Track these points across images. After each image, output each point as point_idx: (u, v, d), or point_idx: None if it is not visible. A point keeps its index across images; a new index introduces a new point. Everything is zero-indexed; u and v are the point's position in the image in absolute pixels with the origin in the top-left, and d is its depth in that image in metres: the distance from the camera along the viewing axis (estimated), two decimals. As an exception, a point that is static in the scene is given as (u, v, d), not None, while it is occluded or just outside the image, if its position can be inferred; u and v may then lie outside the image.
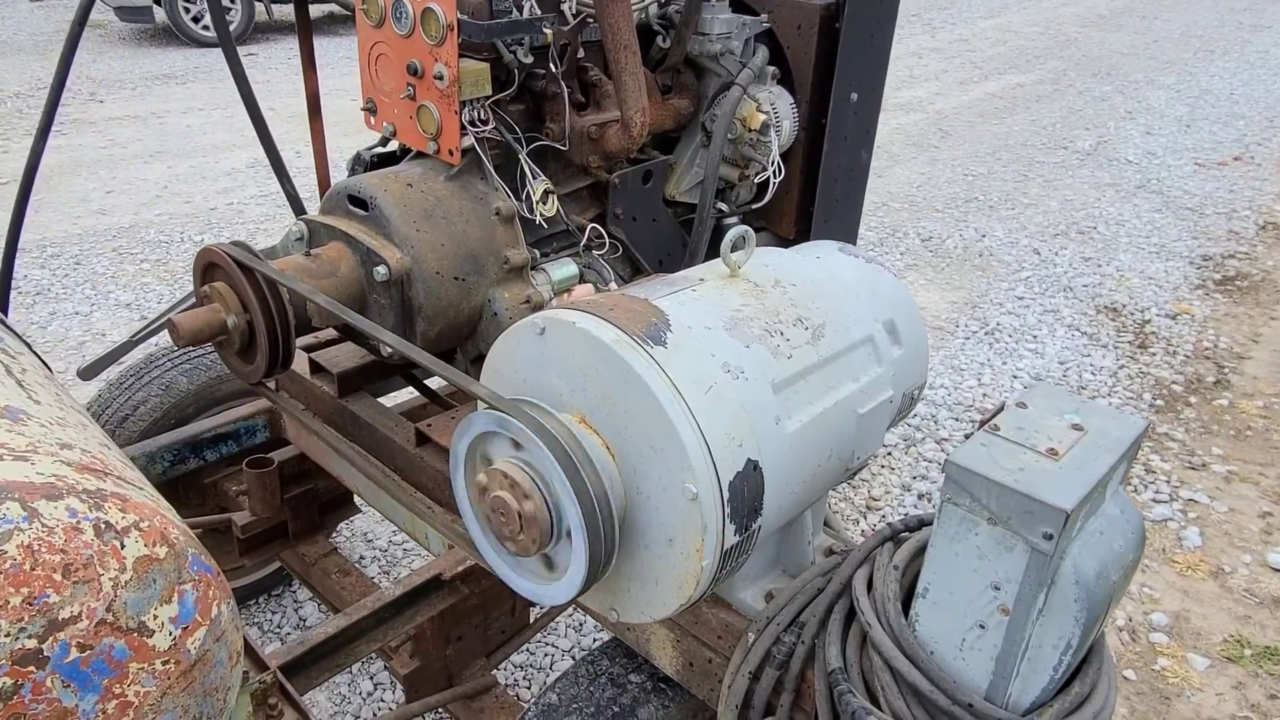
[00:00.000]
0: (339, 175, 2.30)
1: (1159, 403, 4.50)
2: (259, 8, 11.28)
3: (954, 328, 5.19)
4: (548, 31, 1.98)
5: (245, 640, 1.38)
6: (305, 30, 2.43)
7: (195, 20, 11.00)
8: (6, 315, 2.23)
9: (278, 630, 3.08)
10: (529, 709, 1.77)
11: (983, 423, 1.32)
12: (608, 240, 2.28)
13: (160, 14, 10.82)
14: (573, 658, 2.97)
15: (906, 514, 3.69)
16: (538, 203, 2.10)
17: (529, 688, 2.87)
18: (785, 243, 2.76)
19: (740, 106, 2.35)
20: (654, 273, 2.46)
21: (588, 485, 1.28)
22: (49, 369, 1.51)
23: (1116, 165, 8.00)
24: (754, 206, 2.55)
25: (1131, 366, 4.81)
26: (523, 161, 2.08)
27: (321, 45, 10.81)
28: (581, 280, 2.24)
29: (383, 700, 2.81)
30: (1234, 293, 5.74)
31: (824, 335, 1.53)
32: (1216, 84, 10.90)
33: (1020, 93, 10.39)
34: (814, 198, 2.64)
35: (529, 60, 2.02)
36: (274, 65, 10.28)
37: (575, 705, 1.76)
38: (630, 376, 1.29)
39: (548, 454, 1.27)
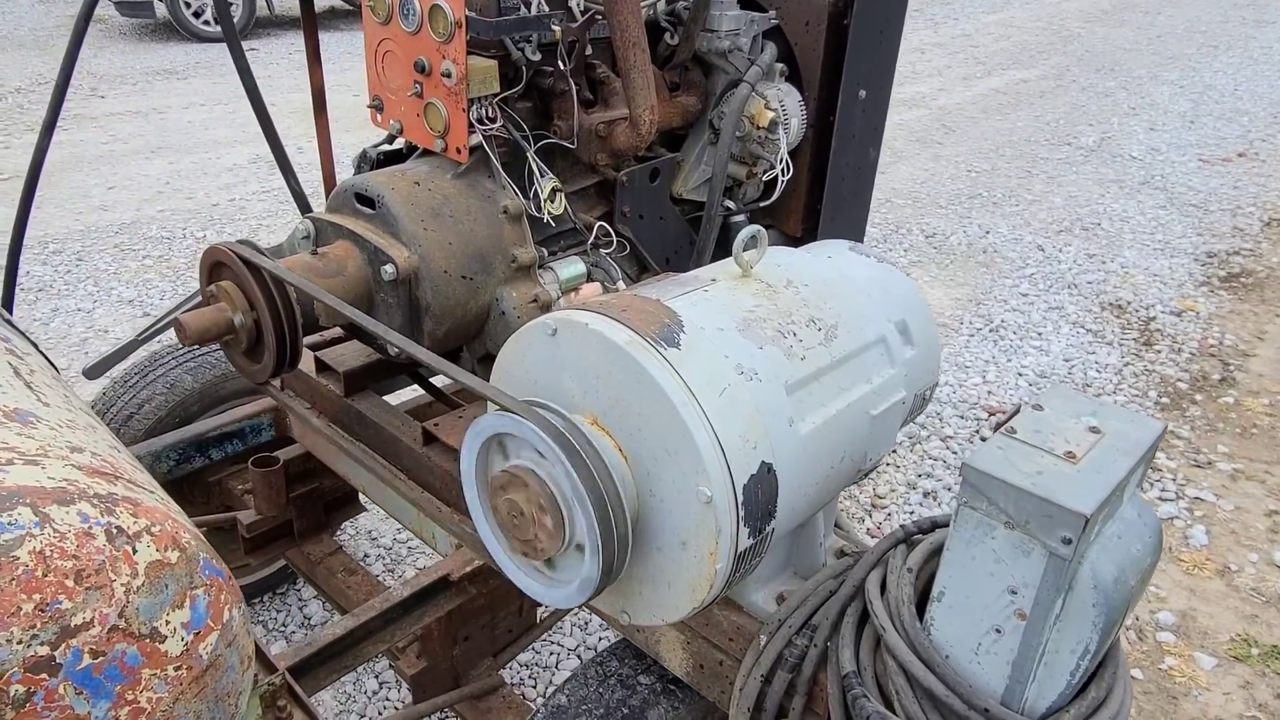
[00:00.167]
0: (343, 172, 2.30)
1: (1164, 401, 4.49)
2: (260, 2, 11.26)
3: (958, 325, 5.18)
4: (556, 29, 1.97)
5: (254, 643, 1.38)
6: (310, 25, 2.41)
7: (196, 15, 10.98)
8: (11, 313, 2.21)
9: (283, 629, 3.08)
10: (538, 711, 1.76)
11: (998, 425, 1.31)
12: (615, 238, 2.27)
13: (161, 9, 10.80)
14: (579, 657, 2.97)
15: (913, 511, 3.69)
16: (545, 201, 2.08)
17: (534, 686, 2.86)
18: (792, 241, 2.75)
19: (748, 104, 2.33)
20: (661, 271, 2.45)
21: (601, 488, 1.27)
22: (56, 369, 1.50)
23: (1120, 161, 7.98)
24: (762, 204, 2.53)
25: (1137, 364, 4.80)
26: (530, 159, 2.06)
27: (323, 40, 10.79)
28: (589, 279, 2.23)
29: (388, 699, 2.80)
30: (1239, 290, 5.72)
31: (837, 336, 1.52)
32: (1220, 80, 10.87)
33: (1023, 88, 10.37)
34: (821, 196, 2.63)
35: (537, 58, 2.01)
36: (275, 60, 10.25)
37: (585, 707, 1.75)
38: (644, 378, 1.28)
39: (561, 456, 1.26)
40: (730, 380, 1.32)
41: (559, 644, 3.00)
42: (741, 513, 1.29)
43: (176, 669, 1.04)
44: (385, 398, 2.38)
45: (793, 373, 1.42)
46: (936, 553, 1.47)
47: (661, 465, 1.31)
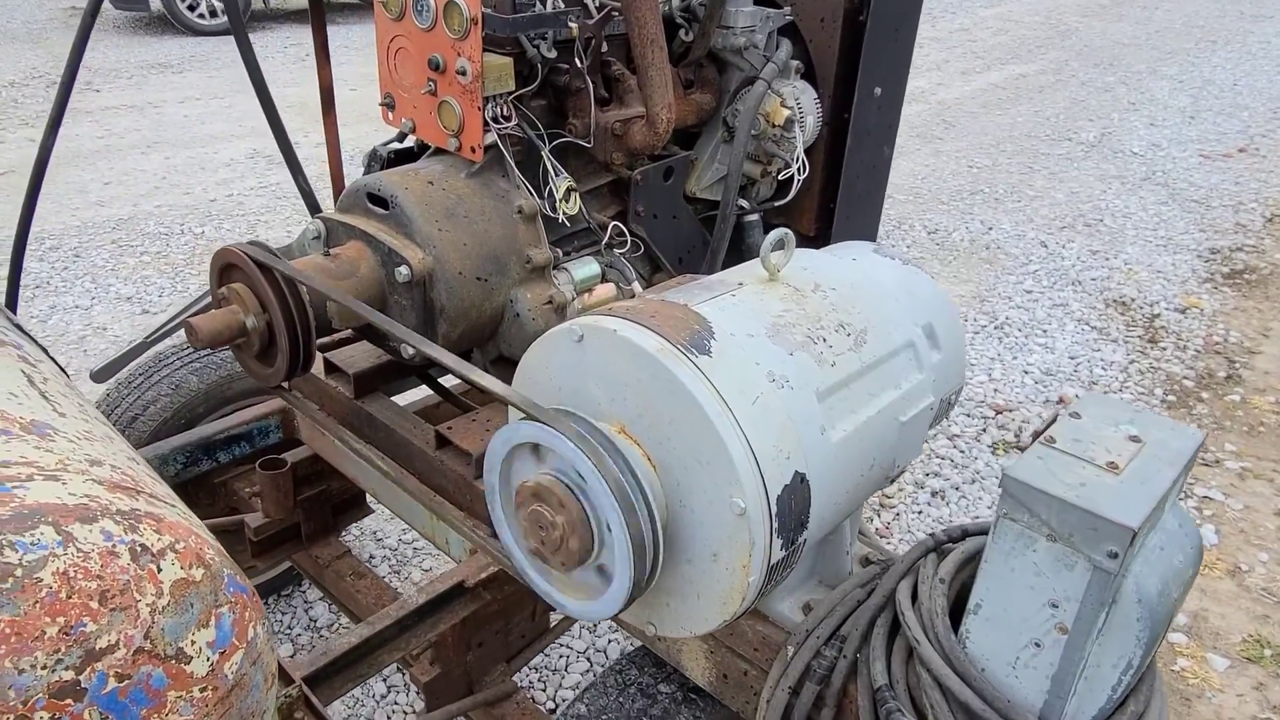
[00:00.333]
0: (349, 170, 2.26)
1: (1171, 399, 4.47)
2: (255, -5, 11.17)
3: (963, 322, 5.16)
4: (573, 25, 1.93)
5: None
6: (319, 22, 2.37)
7: (191, 8, 10.88)
8: (15, 312, 2.17)
9: (288, 631, 3.04)
10: (557, 720, 1.73)
11: (1036, 434, 1.28)
12: (629, 238, 2.24)
13: (155, 2, 10.70)
14: (588, 659, 2.94)
15: (920, 511, 3.67)
16: (560, 201, 2.05)
17: (544, 689, 2.84)
18: (806, 240, 2.72)
19: (764, 102, 2.30)
20: (675, 271, 2.42)
21: (632, 499, 1.24)
22: (66, 374, 1.46)
23: (1121, 157, 7.97)
24: (777, 204, 2.50)
25: (1142, 361, 4.78)
26: (545, 158, 2.03)
27: (319, 33, 10.72)
28: (603, 279, 2.20)
29: (396, 703, 2.78)
30: (1243, 286, 5.71)
31: (866, 341, 1.49)
32: (1219, 75, 10.86)
33: (1023, 83, 10.34)
34: (835, 194, 2.60)
35: (552, 55, 1.97)
36: (271, 55, 10.17)
37: (605, 716, 1.73)
38: (675, 387, 1.25)
39: (591, 467, 1.23)
40: (762, 388, 1.29)
41: (568, 646, 2.97)
42: (775, 524, 1.26)
43: (202, 690, 1.01)
44: (392, 399, 2.35)
45: (823, 379, 1.39)
46: (968, 562, 1.45)
47: (693, 475, 1.28)
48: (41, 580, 0.88)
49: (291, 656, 2.85)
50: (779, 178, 2.44)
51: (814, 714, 1.49)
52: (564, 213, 2.06)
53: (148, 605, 0.96)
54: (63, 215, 5.98)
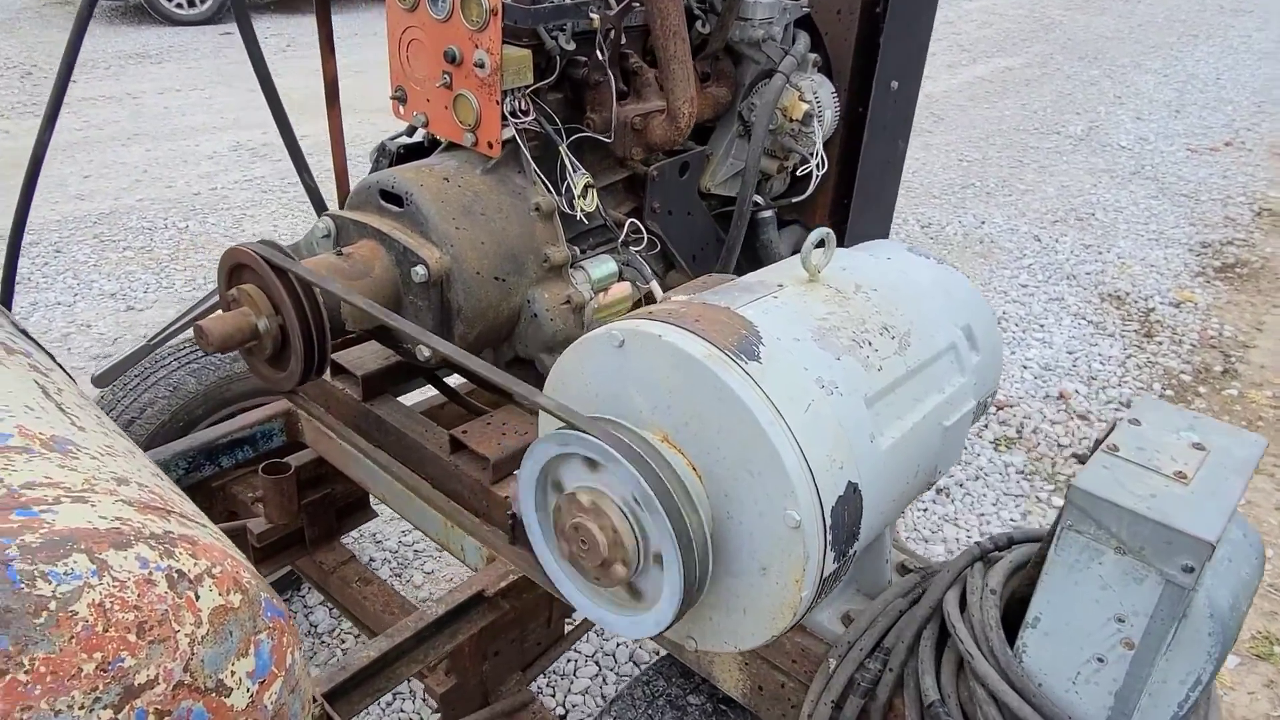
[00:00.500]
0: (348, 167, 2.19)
1: (1169, 393, 4.47)
2: (234, -15, 10.96)
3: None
4: (594, 16, 1.87)
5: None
6: (324, 12, 2.29)
7: (169, -2, 10.68)
8: (10, 309, 2.09)
9: (288, 637, 2.97)
10: (585, 734, 1.68)
11: (1098, 442, 1.24)
12: (646, 236, 2.18)
13: (132, -10, 10.49)
14: (596, 663, 2.89)
15: (925, 508, 3.64)
16: (578, 197, 1.99)
17: (553, 695, 2.78)
18: (819, 236, 2.67)
19: (782, 96, 2.25)
20: (689, 269, 2.37)
21: (683, 512, 1.19)
22: (75, 381, 1.39)
23: (1110, 151, 7.99)
24: (794, 200, 2.45)
25: (1139, 356, 4.78)
26: (563, 154, 1.97)
27: (296, 25, 10.56)
28: (620, 278, 2.14)
29: (402, 710, 2.71)
30: (1234, 280, 5.73)
31: (910, 344, 1.44)
32: (1202, 69, 10.92)
33: (1009, 76, 10.35)
34: (849, 190, 2.55)
35: (571, 47, 1.91)
36: (252, 44, 9.98)
37: (634, 729, 1.68)
38: (725, 394, 1.20)
39: (639, 478, 1.18)
40: (814, 395, 1.24)
41: (576, 650, 2.92)
42: (829, 537, 1.21)
43: (242, 723, 0.95)
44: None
45: (871, 384, 1.34)
46: (1017, 570, 1.41)
47: (742, 486, 1.23)
48: (77, 613, 0.82)
49: (293, 664, 2.78)
50: (797, 173, 2.39)
51: (858, 728, 1.45)
52: (581, 210, 2.01)
53: (186, 636, 0.89)
54: (42, 209, 5.83)
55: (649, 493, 1.16)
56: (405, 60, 1.94)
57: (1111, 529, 1.13)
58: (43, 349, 1.41)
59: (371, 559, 3.26)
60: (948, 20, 13.16)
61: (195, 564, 0.94)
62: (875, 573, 1.59)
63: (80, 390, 1.32)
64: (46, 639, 0.80)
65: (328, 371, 2.23)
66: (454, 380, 2.48)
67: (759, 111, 2.21)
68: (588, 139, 2.07)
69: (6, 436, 0.98)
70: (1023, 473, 3.88)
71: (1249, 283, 5.71)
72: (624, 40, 2.03)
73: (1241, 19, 13.97)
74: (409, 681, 2.78)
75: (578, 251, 2.05)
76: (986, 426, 4.15)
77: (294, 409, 2.37)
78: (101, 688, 0.82)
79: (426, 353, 1.89)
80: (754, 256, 2.55)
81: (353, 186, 2.39)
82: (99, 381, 2.21)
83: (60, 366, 1.37)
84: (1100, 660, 1.20)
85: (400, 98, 1.99)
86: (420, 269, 1.79)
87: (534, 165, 1.93)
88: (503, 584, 1.89)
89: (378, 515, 2.73)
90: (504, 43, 1.79)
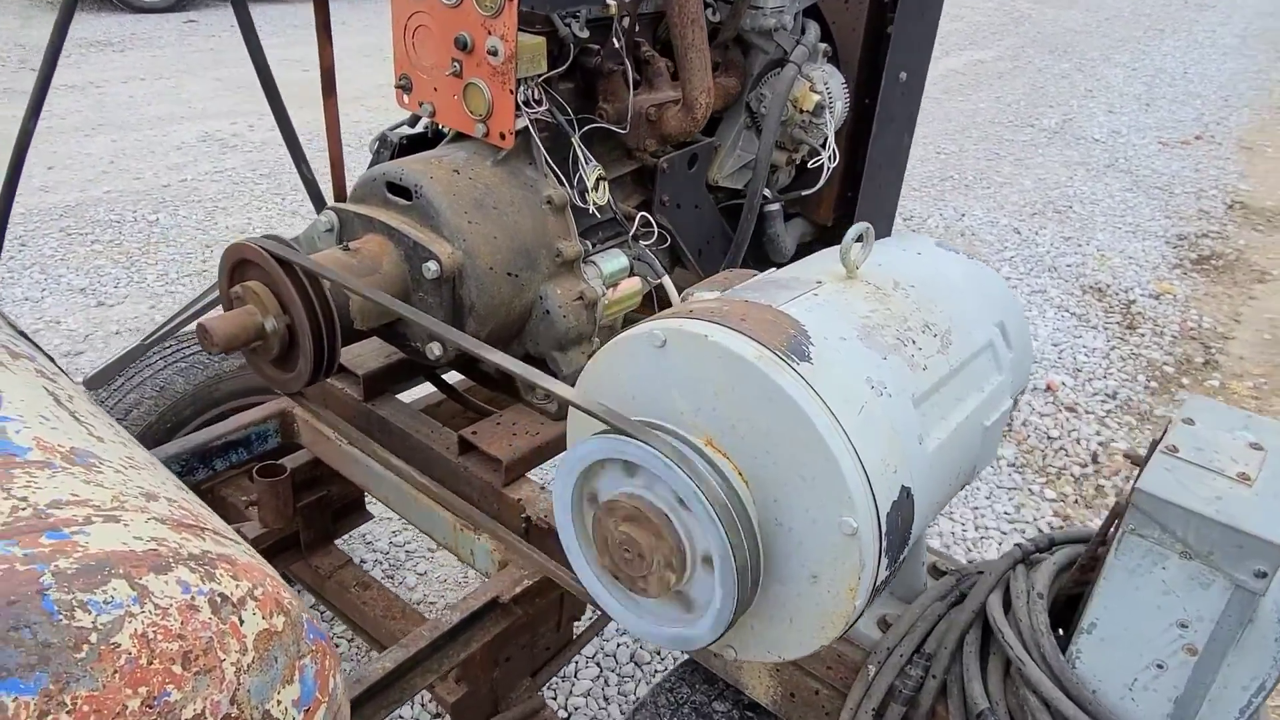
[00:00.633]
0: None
1: (1154, 385, 4.51)
2: (198, -29, 10.71)
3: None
4: (611, 3, 1.81)
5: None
6: (320, -4, 2.20)
7: (130, -17, 10.39)
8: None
9: (279, 643, 2.88)
10: (610, 745, 1.63)
11: (1155, 443, 1.21)
12: (656, 229, 2.12)
13: (92, -24, 10.20)
14: (597, 665, 2.84)
15: (919, 503, 3.62)
16: (591, 190, 1.93)
17: (555, 697, 2.73)
18: (823, 230, 2.64)
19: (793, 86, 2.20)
20: (696, 264, 2.32)
21: (736, 520, 1.14)
22: (78, 385, 1.31)
23: (1084, 144, 8.05)
24: (803, 193, 2.41)
25: (1123, 348, 4.81)
26: (575, 145, 1.90)
27: (264, 13, 10.33)
28: (631, 273, 2.09)
29: (402, 717, 2.64)
30: (1211, 272, 5.80)
31: (951, 342, 1.40)
32: (1169, 63, 11.06)
33: (982, 69, 10.41)
34: (854, 182, 2.52)
35: (585, 34, 1.84)
36: (219, 33, 9.77)
37: (659, 738, 1.63)
38: (777, 397, 1.15)
39: (690, 484, 1.13)
40: (866, 397, 1.20)
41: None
42: (884, 544, 1.17)
43: (288, 756, 0.89)
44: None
45: (917, 384, 1.30)
46: (1062, 572, 1.38)
47: (793, 492, 1.18)
48: (120, 645, 0.75)
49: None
50: (809, 165, 2.35)
51: (900, 736, 1.41)
52: (594, 203, 1.95)
53: (232, 664, 0.83)
54: (4, 201, 5.64)
55: (705, 504, 1.11)
56: (411, 47, 1.87)
57: (1177, 533, 1.10)
58: (43, 351, 1.33)
59: (362, 561, 3.18)
60: (919, 13, 13.19)
61: (237, 586, 0.87)
62: (911, 575, 1.56)
63: (89, 395, 1.24)
64: (89, 675, 0.73)
65: (327, 371, 2.16)
66: (449, 377, 2.41)
67: (772, 102, 2.17)
68: (596, 130, 2.01)
69: (25, 450, 0.91)
70: (1014, 465, 3.89)
71: (1225, 275, 5.77)
72: (636, 28, 1.97)
73: (1205, 14, 14.19)
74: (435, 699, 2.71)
75: (589, 245, 1.99)
76: (977, 419, 4.15)
77: (289, 410, 2.29)
78: (147, 726, 0.76)
79: (438, 351, 1.82)
80: (759, 250, 2.51)
81: (347, 179, 2.32)
82: (91, 384, 2.11)
83: (60, 369, 1.29)
84: (1160, 666, 1.17)
85: (405, 86, 1.91)
86: (432, 265, 1.72)
87: (547, 157, 1.86)
88: (518, 589, 1.84)
89: (374, 517, 2.65)
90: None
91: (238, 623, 0.85)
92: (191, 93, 7.84)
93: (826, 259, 1.52)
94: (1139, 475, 1.23)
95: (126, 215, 5.59)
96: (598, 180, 1.94)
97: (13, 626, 0.71)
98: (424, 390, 2.37)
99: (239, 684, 0.83)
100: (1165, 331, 5.01)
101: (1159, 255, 5.94)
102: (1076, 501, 3.68)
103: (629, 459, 1.19)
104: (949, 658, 1.38)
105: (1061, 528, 3.48)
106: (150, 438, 2.37)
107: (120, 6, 10.35)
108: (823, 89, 2.23)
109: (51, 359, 1.32)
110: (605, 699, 2.73)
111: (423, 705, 2.68)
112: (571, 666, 2.81)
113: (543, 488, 1.93)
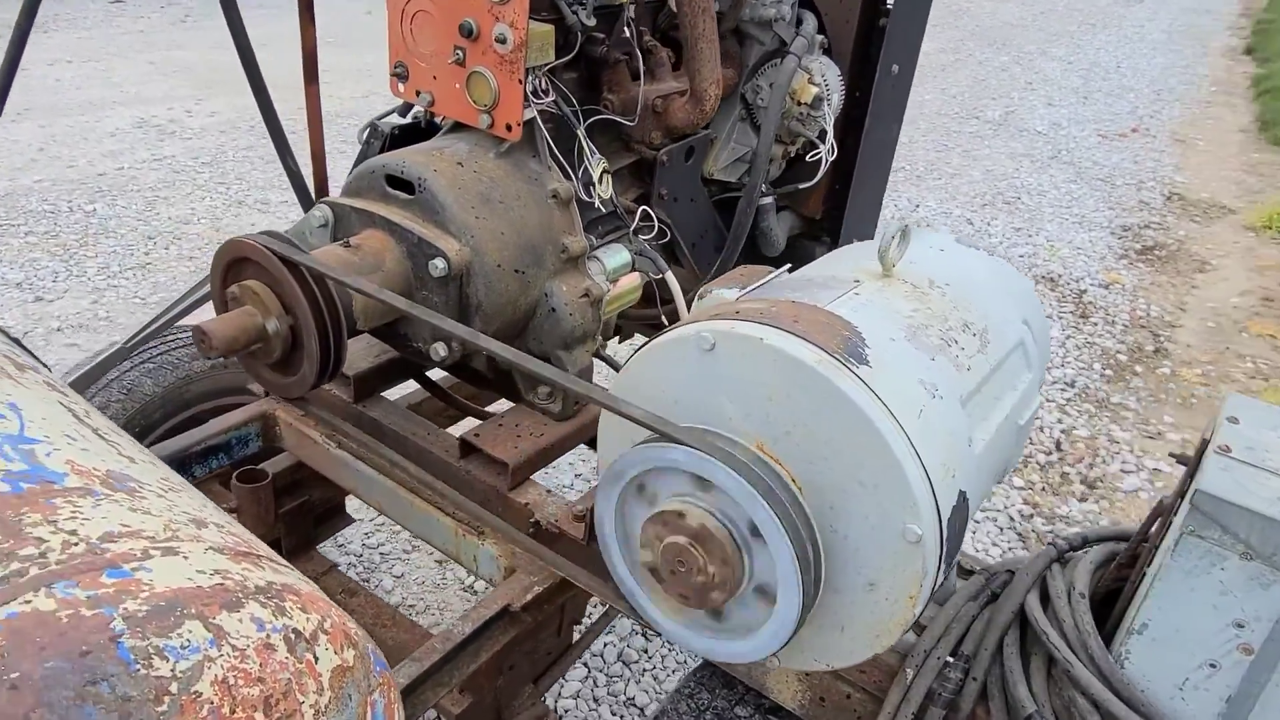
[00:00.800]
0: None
1: (1109, 373, 4.62)
2: (125, -52, 10.24)
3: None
4: (623, -10, 1.75)
5: None
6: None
7: (51, -40, 9.88)
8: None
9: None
10: (634, 755, 1.59)
11: (1205, 442, 1.21)
12: (656, 224, 2.08)
13: (9, -49, 9.68)
14: (585, 665, 2.79)
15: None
16: (596, 183, 1.87)
17: (545, 700, 2.67)
18: (812, 223, 2.62)
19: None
20: (691, 258, 2.28)
21: (800, 529, 1.10)
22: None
23: (1027, 136, 8.22)
24: (801, 186, 2.38)
25: (1077, 336, 4.92)
26: (580, 137, 1.84)
27: (200, -8, 9.95)
28: (633, 268, 2.04)
29: (386, 726, 2.56)
30: (1155, 262, 5.97)
31: (989, 341, 1.39)
32: (1103, 57, 11.36)
33: (925, 61, 10.48)
34: (842, 175, 2.50)
35: (592, 23, 1.78)
36: (148, 14, 9.37)
37: (684, 747, 1.60)
38: (839, 402, 1.11)
39: (753, 494, 1.09)
40: (923, 400, 1.17)
41: (562, 653, 2.81)
42: (945, 549, 1.15)
43: (363, 799, 0.83)
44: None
45: (963, 385, 1.29)
46: (1100, 567, 1.38)
47: (851, 499, 1.15)
48: (201, 695, 0.68)
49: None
50: (808, 158, 2.32)
51: (940, 740, 1.40)
52: (599, 197, 1.89)
53: (311, 706, 0.77)
54: (-74, 190, 5.33)
55: (772, 517, 1.07)
56: (409, 33, 1.78)
57: (1239, 534, 1.10)
58: (35, 357, 1.23)
59: (336, 564, 3.07)
60: (862, 4, 13.32)
61: (308, 619, 0.81)
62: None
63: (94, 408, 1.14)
64: (173, 729, 0.66)
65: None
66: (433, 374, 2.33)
67: (773, 94, 2.13)
68: (596, 121, 1.95)
69: (61, 476, 0.82)
70: (982, 454, 3.94)
71: (1168, 264, 5.95)
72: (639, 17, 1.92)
73: (1133, 9, 14.61)
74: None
75: (593, 241, 1.94)
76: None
77: (270, 413, 2.18)
78: (233, 781, 0.69)
79: (443, 352, 1.75)
80: (751, 244, 2.48)
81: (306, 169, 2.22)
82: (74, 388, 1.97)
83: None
84: (1213, 666, 1.18)
85: (401, 74, 1.82)
86: (439, 262, 1.65)
87: (555, 149, 1.80)
88: (529, 597, 1.78)
89: (355, 521, 2.56)
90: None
91: (313, 660, 0.78)
92: (123, 76, 7.50)
93: (853, 256, 1.50)
94: (1191, 475, 1.23)
95: (61, 205, 5.32)
96: (603, 173, 1.88)
97: (90, 680, 0.63)
98: (406, 389, 2.29)
99: (318, 727, 0.77)
100: (1116, 320, 5.14)
101: (1105, 246, 6.10)
102: (1044, 489, 3.74)
103: (672, 467, 1.15)
104: (989, 659, 1.37)
105: (1046, 524, 3.54)
106: (118, 443, 2.24)
107: (41, -16, 9.84)
108: (820, 81, 2.20)
109: (46, 366, 1.22)
110: (595, 699, 2.69)
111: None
112: (559, 668, 2.76)
113: (549, 491, 1.87)
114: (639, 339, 2.53)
